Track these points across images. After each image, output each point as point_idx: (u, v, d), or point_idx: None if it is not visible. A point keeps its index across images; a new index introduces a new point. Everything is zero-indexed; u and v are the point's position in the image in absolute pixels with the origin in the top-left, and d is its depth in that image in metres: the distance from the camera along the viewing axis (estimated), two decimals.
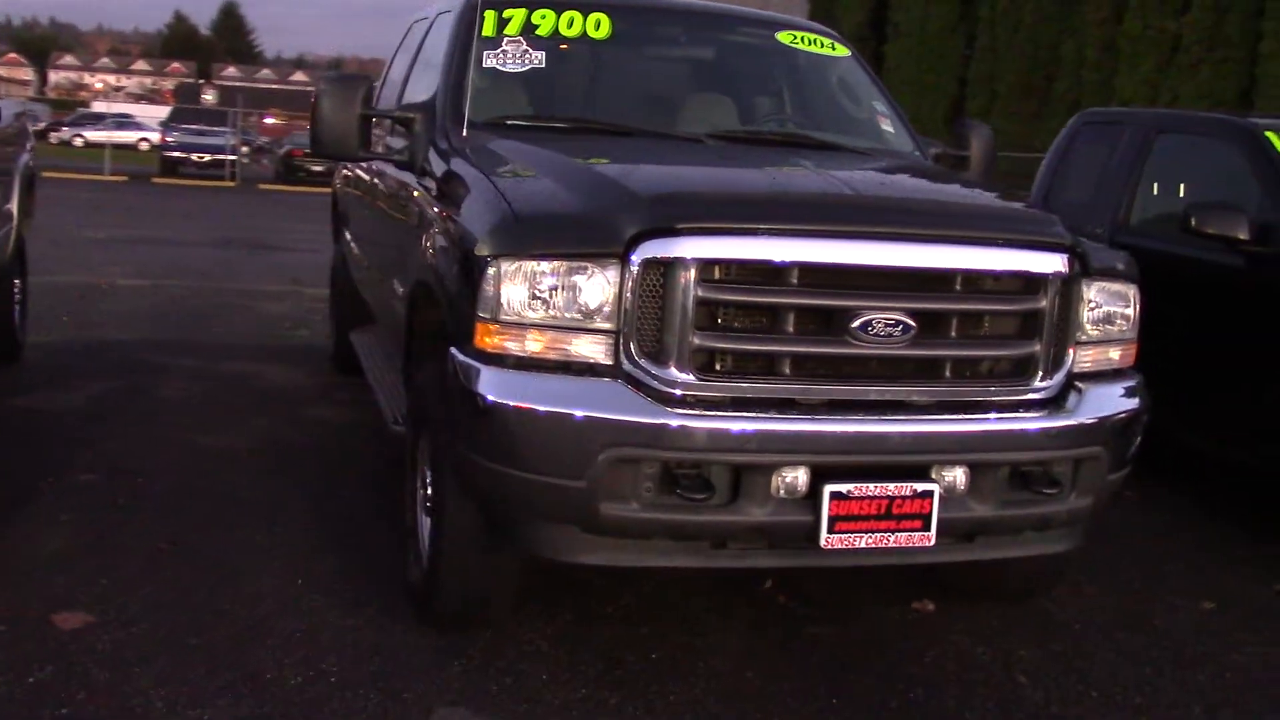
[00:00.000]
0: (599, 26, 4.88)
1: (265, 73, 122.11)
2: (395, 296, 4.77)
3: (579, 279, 3.33)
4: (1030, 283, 3.57)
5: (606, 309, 3.33)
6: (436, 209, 4.18)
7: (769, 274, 3.36)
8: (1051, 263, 3.58)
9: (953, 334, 3.51)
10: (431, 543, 3.83)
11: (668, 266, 3.29)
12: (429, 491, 3.99)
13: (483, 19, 4.80)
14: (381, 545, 4.67)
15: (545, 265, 3.35)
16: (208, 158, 32.30)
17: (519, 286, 3.36)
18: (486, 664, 3.76)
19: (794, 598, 4.42)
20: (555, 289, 3.35)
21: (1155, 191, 6.27)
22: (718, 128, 4.75)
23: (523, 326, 3.38)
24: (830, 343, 3.39)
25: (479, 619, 3.95)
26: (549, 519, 3.45)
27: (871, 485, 3.37)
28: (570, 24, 4.86)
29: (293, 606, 4.10)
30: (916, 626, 4.29)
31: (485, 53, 4.67)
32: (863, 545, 3.39)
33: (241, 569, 4.40)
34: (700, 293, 3.28)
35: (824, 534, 3.34)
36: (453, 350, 3.55)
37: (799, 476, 3.36)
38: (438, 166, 4.41)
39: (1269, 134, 5.71)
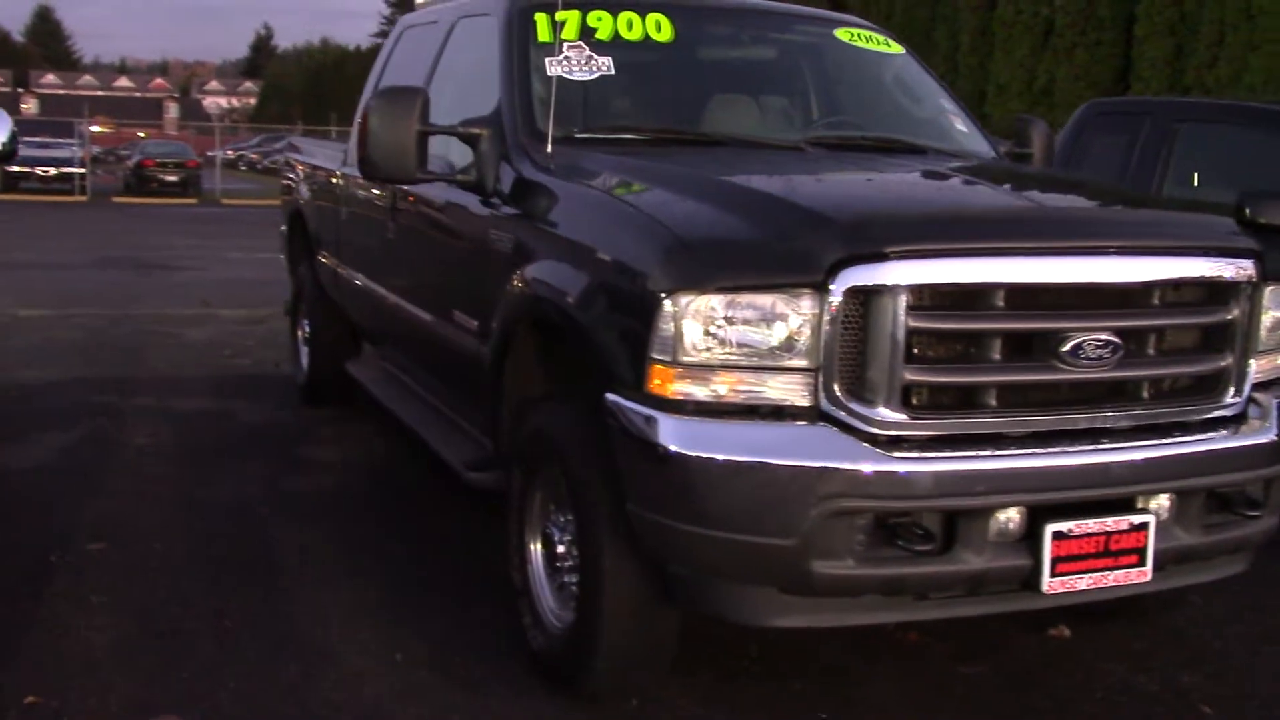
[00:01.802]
0: (660, 29, 4.51)
1: (87, 79, 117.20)
2: (462, 331, 4.33)
3: (771, 313, 2.98)
4: (1224, 291, 3.35)
5: (803, 344, 2.99)
6: (541, 236, 3.77)
7: (978, 298, 3.05)
8: (1243, 269, 3.37)
9: (1152, 351, 3.27)
10: (582, 608, 3.43)
11: (869, 295, 2.96)
12: (560, 549, 3.61)
13: (535, 24, 4.40)
14: (464, 605, 4.25)
15: (730, 299, 2.99)
16: (53, 171, 30.51)
17: (701, 324, 3.00)
18: None
19: (925, 634, 4.15)
20: (743, 324, 2.99)
21: (1182, 181, 6.17)
22: (807, 133, 4.44)
23: (708, 368, 3.01)
24: (1040, 369, 3.11)
25: (630, 687, 3.58)
26: (745, 580, 3.10)
27: (1091, 522, 3.11)
28: (630, 26, 4.48)
29: (405, 688, 3.65)
30: (1061, 655, 4.05)
31: (547, 60, 4.26)
32: (1083, 586, 3.13)
33: (325, 645, 3.92)
34: (911, 322, 2.97)
35: (1046, 578, 3.06)
36: (613, 397, 3.17)
37: (1014, 517, 3.08)
38: (520, 187, 3.99)
39: None
